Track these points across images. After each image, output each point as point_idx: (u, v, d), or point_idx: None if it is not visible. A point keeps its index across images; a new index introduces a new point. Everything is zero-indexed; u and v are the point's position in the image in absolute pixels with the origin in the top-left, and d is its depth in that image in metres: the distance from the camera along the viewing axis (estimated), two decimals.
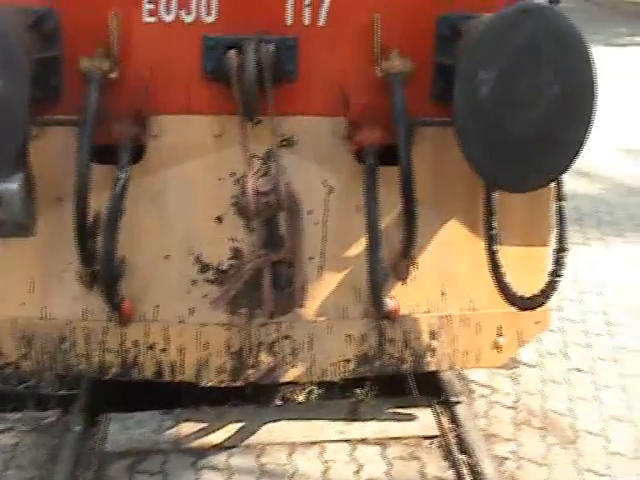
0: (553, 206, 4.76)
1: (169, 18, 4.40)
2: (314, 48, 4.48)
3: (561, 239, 4.70)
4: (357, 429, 5.17)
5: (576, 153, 4.12)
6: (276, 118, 4.40)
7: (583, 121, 4.04)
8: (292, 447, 5.02)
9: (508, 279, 4.72)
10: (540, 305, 4.77)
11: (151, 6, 4.39)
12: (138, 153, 4.47)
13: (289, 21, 4.45)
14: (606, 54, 18.93)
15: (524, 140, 3.99)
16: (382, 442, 5.09)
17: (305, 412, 5.34)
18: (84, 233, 4.30)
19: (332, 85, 4.54)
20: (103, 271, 4.36)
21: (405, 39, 4.47)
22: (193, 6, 4.40)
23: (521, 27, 3.88)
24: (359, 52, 4.50)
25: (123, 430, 5.10)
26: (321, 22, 4.48)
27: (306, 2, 4.44)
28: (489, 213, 4.68)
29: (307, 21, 4.47)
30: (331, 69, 4.53)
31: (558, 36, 3.90)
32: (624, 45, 22.27)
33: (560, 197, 4.67)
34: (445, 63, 4.46)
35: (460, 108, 3.98)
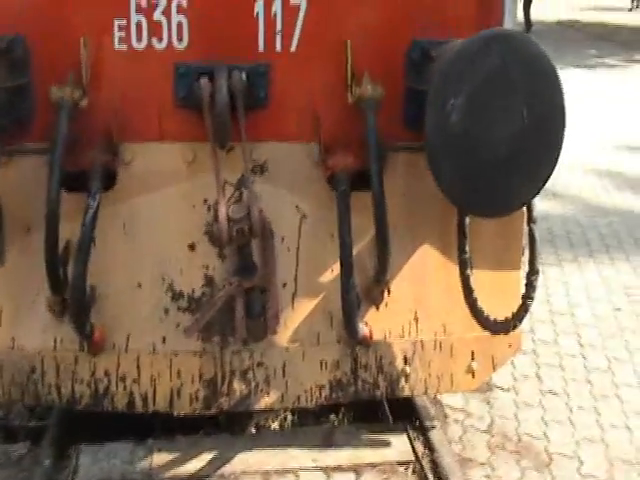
0: (525, 229, 4.77)
1: (140, 45, 4.39)
2: (286, 74, 4.48)
3: (532, 262, 4.71)
4: (331, 456, 5.13)
5: (546, 177, 4.15)
6: (248, 144, 4.39)
7: (553, 145, 4.08)
8: (266, 475, 4.97)
9: (481, 303, 4.72)
10: (513, 329, 4.78)
11: (122, 33, 4.37)
12: (109, 180, 4.44)
13: (261, 47, 4.45)
14: (576, 75, 19.18)
15: (494, 165, 4.01)
16: (357, 468, 5.05)
17: (279, 440, 5.30)
18: (54, 262, 4.25)
19: (304, 111, 4.54)
20: (73, 300, 4.30)
21: (377, 64, 4.49)
22: (164, 33, 4.39)
23: (490, 53, 3.90)
24: (331, 78, 4.50)
25: (94, 462, 5.01)
26: (293, 48, 4.48)
27: (278, 29, 4.44)
28: (461, 237, 4.69)
29: (279, 47, 4.47)
30: (303, 95, 4.53)
31: (527, 62, 3.94)
32: (593, 66, 22.56)
33: (531, 220, 4.68)
34: (417, 88, 4.47)
35: (431, 134, 3.99)
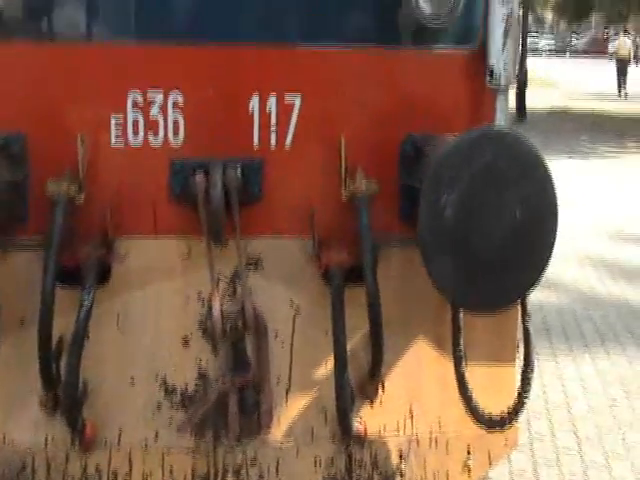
0: (519, 323, 4.77)
1: (136, 141, 4.44)
2: (280, 170, 4.52)
3: (528, 357, 4.70)
4: None
5: (540, 274, 4.17)
6: (242, 239, 4.42)
7: (546, 242, 4.11)
8: None
9: (476, 399, 4.69)
10: (509, 425, 4.74)
11: (119, 130, 4.43)
12: (104, 275, 4.45)
13: (256, 143, 4.50)
14: (569, 164, 19.37)
15: (487, 261, 4.03)
16: None
17: None
18: (47, 358, 4.24)
19: (298, 206, 4.57)
20: (66, 397, 4.27)
21: (371, 159, 4.55)
22: (160, 129, 4.45)
23: (482, 151, 3.96)
24: (325, 173, 4.55)
25: None
26: (287, 144, 4.53)
27: (272, 125, 4.50)
28: (456, 332, 4.67)
29: (273, 143, 4.52)
30: (297, 190, 4.57)
31: (519, 161, 3.99)
32: (586, 154, 22.78)
33: (525, 314, 4.68)
34: (411, 183, 4.51)
35: (423, 230, 4.02)
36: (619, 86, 42.92)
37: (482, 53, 4.64)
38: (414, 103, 4.63)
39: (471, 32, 4.91)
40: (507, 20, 4.58)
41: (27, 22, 4.38)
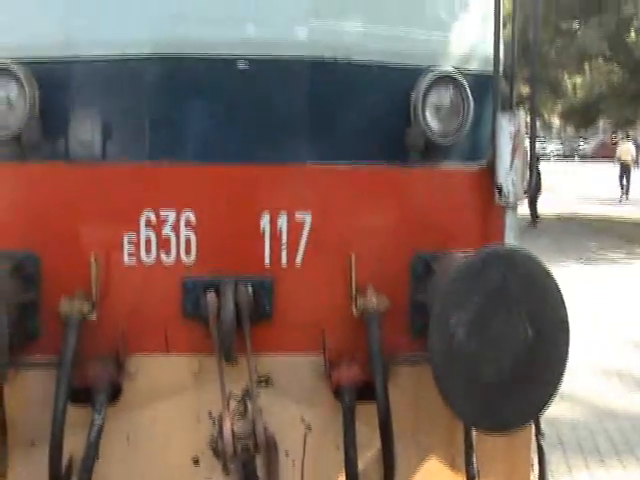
0: (533, 440, 4.72)
1: (149, 260, 4.48)
2: (291, 288, 4.54)
3: (542, 474, 4.65)
4: None
5: (554, 390, 4.15)
6: (253, 357, 4.42)
7: (558, 359, 4.09)
8: None
9: None
10: None
11: (131, 248, 4.47)
12: (114, 393, 4.44)
13: (267, 262, 4.54)
14: (578, 271, 19.36)
15: (501, 381, 4.01)
16: None
17: None
18: (58, 478, 4.20)
19: (309, 323, 4.57)
20: None
21: (381, 276, 4.56)
22: (173, 247, 4.49)
23: (493, 271, 3.98)
24: (336, 290, 4.57)
25: None
26: (298, 262, 4.57)
27: (283, 243, 4.54)
28: (468, 449, 4.64)
29: (284, 261, 4.55)
30: (308, 308, 4.58)
31: (529, 280, 4.00)
32: (595, 260, 22.78)
33: (539, 432, 4.65)
34: (421, 300, 4.53)
35: (435, 350, 4.02)
36: (622, 190, 43.43)
37: (490, 170, 4.69)
38: (423, 220, 4.68)
39: (479, 149, 5.00)
40: (515, 138, 4.64)
41: (42, 144, 4.48)
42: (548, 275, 4.09)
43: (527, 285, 4.00)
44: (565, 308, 4.09)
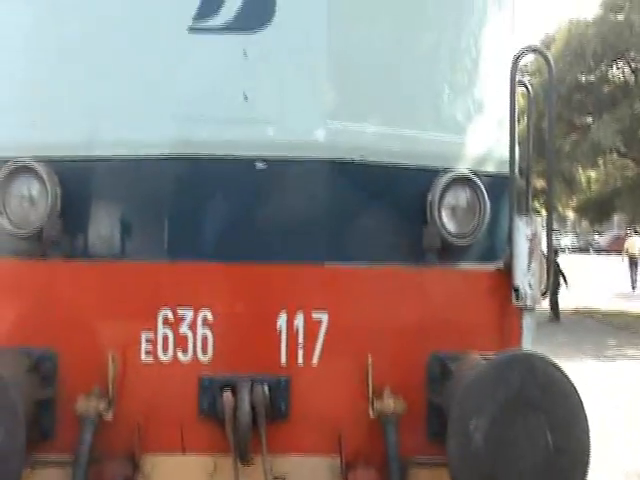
0: None
1: (166, 358, 4.49)
2: (307, 388, 4.53)
3: None
4: None
5: None
6: (269, 458, 4.38)
7: (579, 467, 4.03)
8: None
9: None
10: None
11: (148, 346, 4.48)
12: None
13: (283, 361, 4.54)
14: (596, 368, 19.14)
15: None
16: None
17: None
18: None
19: (325, 424, 4.55)
20: None
21: (398, 377, 4.55)
22: (189, 346, 4.50)
23: (511, 377, 3.95)
24: (352, 391, 4.55)
25: None
26: (314, 362, 4.56)
27: (299, 343, 4.54)
28: None
29: (300, 361, 4.55)
30: (324, 408, 4.56)
31: (548, 386, 3.97)
32: (613, 357, 22.53)
33: None
34: (438, 402, 4.50)
35: (453, 455, 3.98)
36: (632, 283, 43.58)
37: (507, 271, 4.70)
38: (440, 320, 4.68)
39: (496, 250, 5.02)
40: (532, 240, 4.66)
41: (62, 240, 4.54)
42: (567, 381, 4.04)
43: (546, 391, 3.97)
44: (585, 414, 4.04)
